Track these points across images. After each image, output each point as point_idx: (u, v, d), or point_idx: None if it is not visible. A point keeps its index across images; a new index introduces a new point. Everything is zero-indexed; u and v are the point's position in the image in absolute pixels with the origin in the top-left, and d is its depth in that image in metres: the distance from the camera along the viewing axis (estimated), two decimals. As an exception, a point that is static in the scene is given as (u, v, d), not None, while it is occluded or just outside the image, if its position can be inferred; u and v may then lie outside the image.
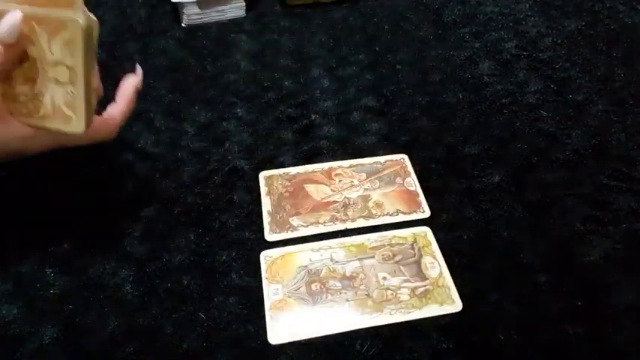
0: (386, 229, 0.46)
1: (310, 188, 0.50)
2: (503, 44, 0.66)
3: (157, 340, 0.39)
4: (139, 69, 0.44)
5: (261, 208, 0.48)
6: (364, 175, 0.51)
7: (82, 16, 0.38)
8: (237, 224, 0.47)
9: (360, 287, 0.42)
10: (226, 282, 0.43)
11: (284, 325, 0.40)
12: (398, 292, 0.42)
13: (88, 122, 0.39)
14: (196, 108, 0.57)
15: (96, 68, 0.42)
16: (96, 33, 0.41)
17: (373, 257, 0.44)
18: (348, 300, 0.41)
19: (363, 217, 0.47)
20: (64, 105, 0.38)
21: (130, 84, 0.43)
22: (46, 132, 0.38)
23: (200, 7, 0.68)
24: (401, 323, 0.40)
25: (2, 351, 0.38)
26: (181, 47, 0.66)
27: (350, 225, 0.47)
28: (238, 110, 0.57)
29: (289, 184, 0.50)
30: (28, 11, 0.37)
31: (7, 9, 0.36)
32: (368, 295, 0.42)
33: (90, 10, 0.39)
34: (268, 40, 0.67)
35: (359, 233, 0.46)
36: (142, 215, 0.47)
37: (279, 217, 0.47)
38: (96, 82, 0.42)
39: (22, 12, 0.36)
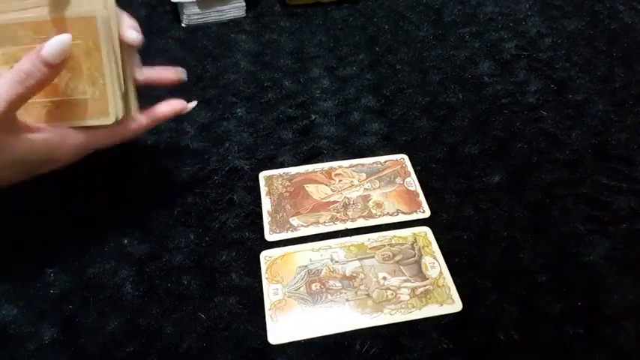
0: (386, 229, 0.46)
1: (310, 188, 0.50)
2: (503, 44, 0.66)
3: (157, 340, 0.39)
4: (193, 104, 0.45)
5: (261, 208, 0.48)
6: (364, 175, 0.51)
7: (101, 10, 0.38)
8: (237, 224, 0.47)
9: (360, 287, 0.42)
10: (226, 282, 0.43)
11: (284, 325, 0.40)
12: (398, 292, 0.42)
13: (125, 113, 0.40)
14: (196, 108, 0.57)
15: (137, 59, 0.43)
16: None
17: (373, 257, 0.44)
18: (348, 300, 0.41)
19: (363, 217, 0.47)
20: (92, 99, 0.39)
21: (178, 106, 0.44)
22: (72, 136, 0.38)
23: (200, 7, 0.68)
24: (401, 323, 0.40)
25: (2, 351, 0.38)
26: (181, 47, 0.66)
27: (350, 225, 0.47)
28: (238, 110, 0.57)
29: (289, 184, 0.50)
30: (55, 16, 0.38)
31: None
32: (368, 295, 0.42)
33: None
34: (268, 40, 0.67)
35: (359, 233, 0.46)
36: (142, 215, 0.47)
37: (279, 217, 0.47)
38: (138, 75, 0.42)
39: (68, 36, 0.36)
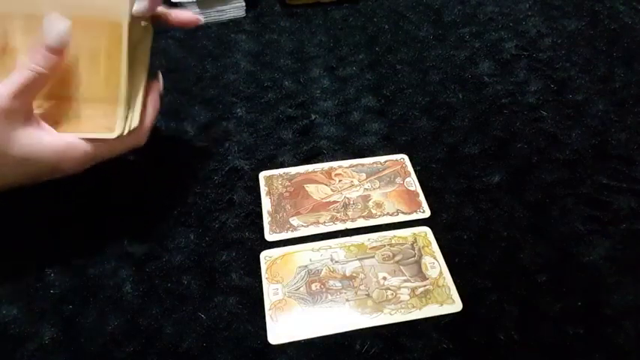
0: (386, 229, 0.46)
1: (310, 188, 0.50)
2: (503, 44, 0.66)
3: (157, 340, 0.39)
4: (159, 75, 0.45)
5: (261, 208, 0.48)
6: (364, 175, 0.51)
7: (126, 20, 0.39)
8: (237, 224, 0.47)
9: (360, 287, 0.42)
10: (226, 282, 0.43)
11: (284, 325, 0.40)
12: (398, 292, 0.42)
13: (132, 127, 0.40)
14: (196, 108, 0.57)
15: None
16: (147, 42, 0.42)
17: (373, 257, 0.44)
18: (348, 300, 0.41)
19: (363, 217, 0.47)
20: (102, 113, 0.39)
21: (154, 89, 0.44)
22: (81, 145, 0.38)
23: (200, 7, 0.68)
24: (401, 323, 0.40)
25: (2, 351, 0.38)
26: (181, 47, 0.66)
27: (350, 225, 0.47)
28: (238, 110, 0.57)
29: (289, 184, 0.50)
30: (74, 13, 0.38)
31: (55, 16, 0.37)
32: (368, 295, 0.42)
33: None
34: (268, 40, 0.67)
35: (359, 233, 0.46)
36: (142, 215, 0.47)
37: (279, 217, 0.47)
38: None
39: (69, 20, 0.37)
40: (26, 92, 0.36)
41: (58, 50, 0.36)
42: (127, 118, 0.40)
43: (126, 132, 0.39)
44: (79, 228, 0.46)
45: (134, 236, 0.45)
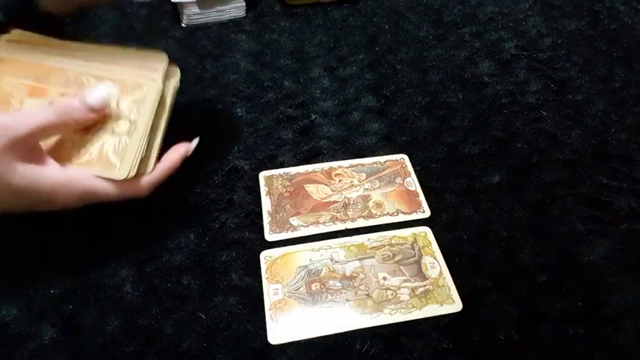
0: (386, 229, 0.46)
1: (310, 188, 0.50)
2: (503, 44, 0.66)
3: (157, 340, 0.39)
4: (194, 142, 0.45)
5: (261, 208, 0.48)
6: (364, 175, 0.51)
7: (160, 80, 0.41)
8: (237, 224, 0.47)
9: (360, 287, 0.42)
10: (226, 282, 0.43)
11: (284, 325, 0.40)
12: (398, 292, 0.42)
13: (139, 173, 0.40)
14: (196, 108, 0.57)
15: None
16: (171, 96, 0.43)
17: (373, 257, 0.44)
18: (348, 300, 0.41)
19: (363, 217, 0.47)
20: (113, 153, 0.39)
21: (181, 152, 0.43)
22: (79, 181, 0.38)
23: (200, 7, 0.68)
24: (401, 323, 0.40)
25: (2, 351, 0.38)
26: (181, 47, 0.66)
27: (350, 225, 0.47)
28: (238, 110, 0.57)
29: (289, 184, 0.50)
30: (109, 73, 0.41)
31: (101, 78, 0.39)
32: (368, 295, 0.42)
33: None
34: (268, 40, 0.67)
35: (359, 233, 0.46)
36: (142, 215, 0.47)
37: (279, 217, 0.47)
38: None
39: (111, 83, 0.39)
40: (43, 133, 0.36)
41: (95, 110, 0.38)
42: (136, 163, 0.40)
43: (132, 175, 0.39)
44: (79, 228, 0.46)
45: (134, 236, 0.45)
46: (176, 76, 0.44)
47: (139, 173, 0.40)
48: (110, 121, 0.40)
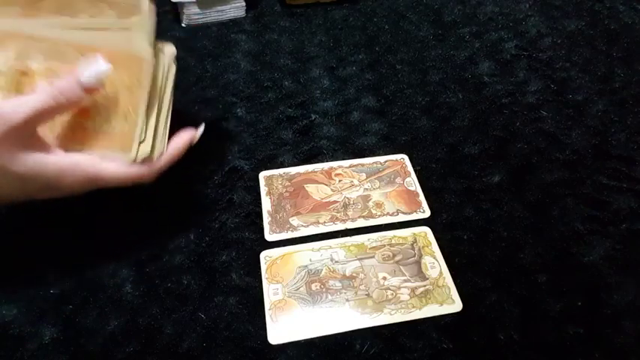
0: (386, 229, 0.46)
1: (310, 188, 0.50)
2: (503, 44, 0.66)
3: (156, 340, 0.39)
4: (201, 128, 0.45)
5: (261, 208, 0.48)
6: (364, 175, 0.51)
7: (150, 53, 0.40)
8: (237, 224, 0.47)
9: (360, 287, 0.42)
10: (226, 282, 0.43)
11: (284, 325, 0.40)
12: (398, 292, 0.42)
13: (146, 155, 0.39)
14: (196, 108, 0.57)
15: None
16: (171, 77, 0.43)
17: (373, 257, 0.44)
18: (348, 300, 0.41)
19: (363, 217, 0.47)
20: (119, 133, 0.39)
21: (187, 137, 0.43)
22: (84, 165, 0.38)
23: (200, 7, 0.68)
24: (401, 323, 0.40)
25: (2, 351, 0.38)
26: (181, 47, 0.66)
27: (350, 225, 0.47)
28: (238, 110, 0.57)
29: (289, 184, 0.50)
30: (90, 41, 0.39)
31: (93, 55, 0.37)
32: (368, 295, 0.42)
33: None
34: (268, 40, 0.67)
35: (359, 233, 0.46)
36: (142, 215, 0.47)
37: (279, 217, 0.47)
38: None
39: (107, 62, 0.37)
40: (40, 118, 0.35)
41: (89, 89, 0.37)
42: (142, 144, 0.39)
43: (140, 158, 0.39)
44: (79, 228, 0.46)
45: (134, 236, 0.45)
46: (170, 50, 0.43)
47: (146, 158, 0.40)
48: (110, 101, 0.39)
